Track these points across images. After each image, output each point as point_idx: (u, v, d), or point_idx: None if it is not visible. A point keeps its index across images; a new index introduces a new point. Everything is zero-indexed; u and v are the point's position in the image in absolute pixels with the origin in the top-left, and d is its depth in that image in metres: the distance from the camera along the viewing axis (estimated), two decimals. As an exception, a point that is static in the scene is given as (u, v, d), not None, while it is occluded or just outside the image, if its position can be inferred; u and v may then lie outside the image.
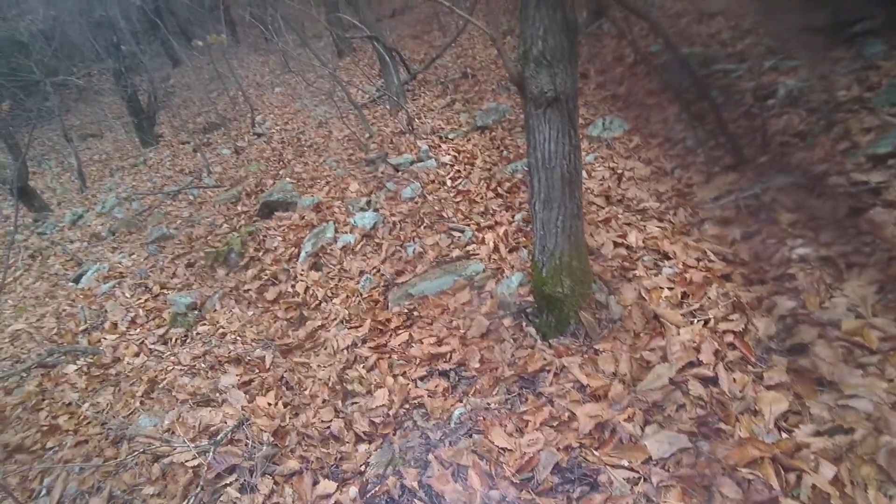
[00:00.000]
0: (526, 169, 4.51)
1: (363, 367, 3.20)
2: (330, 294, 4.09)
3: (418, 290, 3.61)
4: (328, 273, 4.33)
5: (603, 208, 3.68)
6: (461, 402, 2.68)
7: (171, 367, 3.88)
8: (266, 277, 4.62)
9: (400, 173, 5.54)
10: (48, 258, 7.42)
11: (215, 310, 4.48)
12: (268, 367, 3.51)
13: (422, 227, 4.36)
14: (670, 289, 2.75)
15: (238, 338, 3.97)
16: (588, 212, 3.60)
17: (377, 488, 2.33)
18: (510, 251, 3.62)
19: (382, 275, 4.01)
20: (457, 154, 5.61)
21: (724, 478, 1.82)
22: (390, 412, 2.77)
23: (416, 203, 4.79)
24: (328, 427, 2.80)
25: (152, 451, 2.95)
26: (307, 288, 4.23)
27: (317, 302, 4.07)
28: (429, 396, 2.79)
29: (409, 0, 14.37)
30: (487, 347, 2.95)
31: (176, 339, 4.30)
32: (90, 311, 5.14)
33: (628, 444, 2.10)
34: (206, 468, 2.65)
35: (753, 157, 3.41)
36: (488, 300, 3.28)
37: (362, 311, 3.75)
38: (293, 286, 4.32)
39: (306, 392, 3.14)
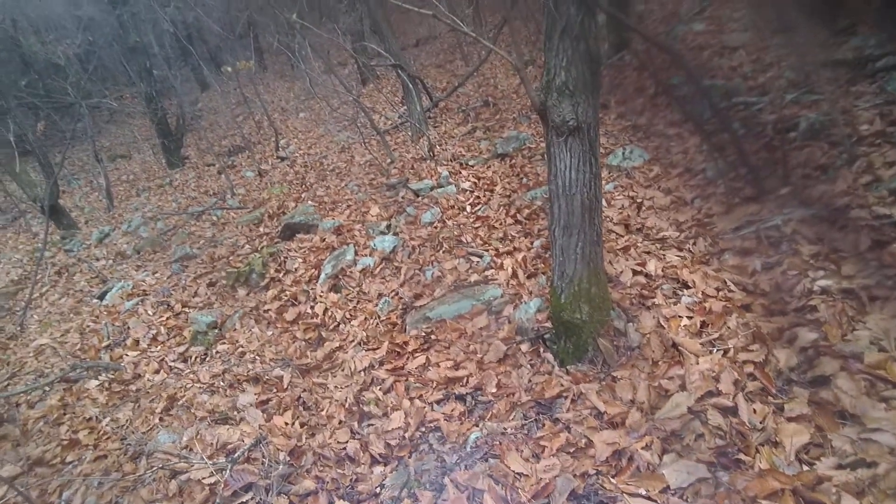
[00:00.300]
0: (546, 196, 4.55)
1: (380, 389, 3.21)
2: (348, 316, 4.13)
3: (436, 314, 3.63)
4: (347, 295, 4.37)
5: (622, 236, 3.69)
6: (477, 426, 2.67)
7: (190, 385, 3.92)
8: (286, 298, 4.68)
9: (420, 198, 5.62)
10: (74, 275, 7.59)
11: (235, 329, 4.54)
12: (285, 386, 3.54)
13: (441, 251, 4.40)
14: (689, 318, 2.74)
15: (257, 357, 4.01)
16: (607, 240, 3.62)
17: (392, 510, 2.33)
18: (528, 277, 3.63)
19: (401, 298, 4.04)
20: (477, 180, 5.67)
21: (743, 510, 1.79)
22: (406, 435, 2.77)
23: (436, 228, 4.84)
24: (344, 448, 2.80)
25: (170, 468, 2.98)
26: (326, 309, 4.27)
27: (335, 323, 4.11)
28: (445, 420, 2.79)
29: (433, 30, 14.68)
30: (504, 372, 2.96)
31: (196, 357, 4.36)
32: (113, 327, 5.23)
33: (646, 473, 2.08)
34: (222, 486, 2.67)
35: (774, 189, 3.41)
36: (506, 325, 3.29)
37: (380, 333, 3.78)
38: (312, 307, 4.37)
39: (323, 412, 3.15)
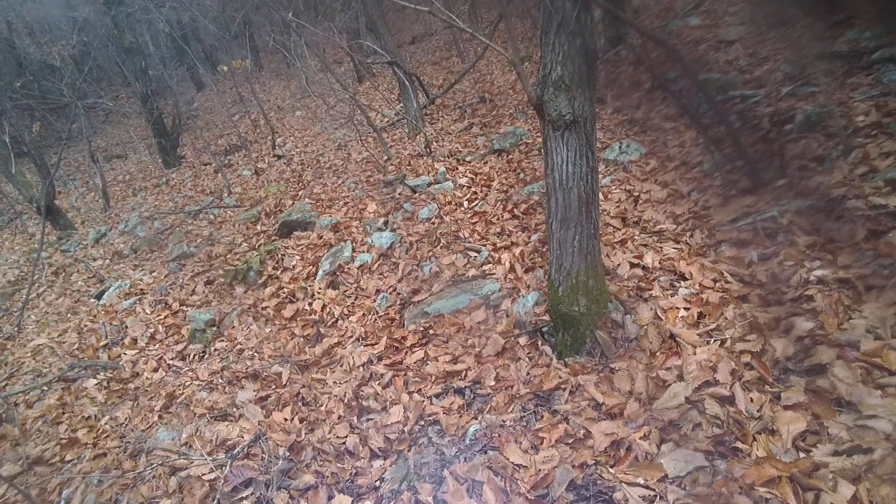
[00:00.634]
0: (542, 190, 4.56)
1: (379, 384, 3.22)
2: (347, 312, 4.13)
3: (434, 309, 3.63)
4: (345, 291, 4.37)
5: (619, 230, 3.70)
6: (476, 419, 2.68)
7: (189, 382, 3.92)
8: (284, 295, 4.68)
9: (417, 195, 5.62)
10: (71, 275, 7.57)
11: (233, 326, 4.54)
12: (284, 383, 3.54)
13: (438, 246, 4.40)
14: (686, 309, 2.75)
15: (255, 354, 4.01)
16: (604, 233, 3.63)
17: (392, 503, 2.33)
18: (526, 271, 3.64)
19: (399, 293, 4.05)
20: (474, 176, 5.68)
21: (741, 496, 1.80)
22: (405, 428, 2.78)
23: (433, 223, 4.84)
24: (343, 443, 2.81)
25: (170, 465, 2.99)
26: (324, 306, 4.27)
27: (333, 320, 4.11)
28: (444, 413, 2.80)
29: (429, 27, 14.67)
30: (503, 365, 2.96)
31: (194, 355, 4.36)
32: (111, 326, 5.22)
33: (644, 462, 2.09)
34: (222, 481, 2.67)
35: (771, 181, 3.42)
36: (504, 319, 3.30)
37: (378, 328, 3.78)
38: (310, 304, 4.37)
39: (322, 408, 3.16)
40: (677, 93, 5.24)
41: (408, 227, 4.91)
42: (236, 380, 3.76)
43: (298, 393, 3.37)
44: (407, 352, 3.42)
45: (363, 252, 4.73)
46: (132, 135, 15.38)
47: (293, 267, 5.06)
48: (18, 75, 14.04)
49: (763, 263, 2.83)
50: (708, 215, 3.51)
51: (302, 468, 2.72)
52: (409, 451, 2.65)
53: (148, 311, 5.36)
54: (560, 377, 2.69)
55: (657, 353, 2.58)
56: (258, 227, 6.64)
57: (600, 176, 4.53)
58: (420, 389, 3.05)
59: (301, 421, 3.09)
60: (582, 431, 2.34)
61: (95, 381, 4.26)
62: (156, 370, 4.29)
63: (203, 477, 2.79)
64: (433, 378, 3.09)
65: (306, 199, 6.65)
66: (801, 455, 1.88)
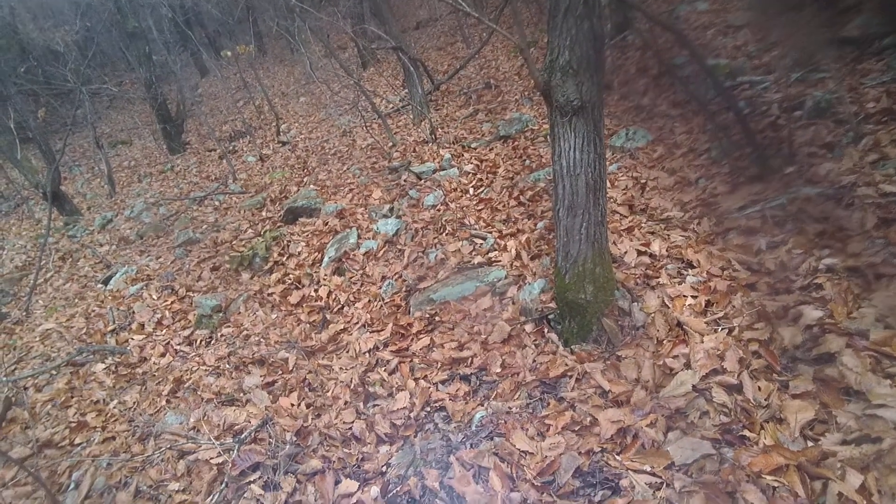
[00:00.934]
0: (549, 177, 4.54)
1: (385, 371, 3.23)
2: (352, 298, 4.14)
3: (440, 296, 3.63)
4: (351, 278, 4.38)
5: (626, 217, 3.68)
6: (482, 405, 2.69)
7: (196, 368, 3.95)
8: (290, 281, 4.69)
9: (423, 181, 5.60)
10: (78, 260, 7.61)
11: (240, 312, 4.55)
12: (291, 368, 3.56)
13: (444, 233, 4.39)
14: (694, 297, 2.74)
15: (262, 340, 4.03)
16: (611, 220, 3.61)
17: (398, 488, 2.35)
18: (532, 258, 3.63)
19: (404, 280, 4.05)
20: (479, 163, 5.66)
21: (748, 485, 1.80)
22: (411, 414, 2.79)
23: (439, 210, 4.83)
24: (350, 428, 2.83)
25: (178, 448, 3.02)
26: (330, 292, 4.28)
27: (339, 306, 4.12)
28: (450, 400, 2.81)
29: (433, 12, 14.55)
30: (509, 352, 2.97)
31: (201, 341, 4.38)
32: (118, 311, 5.25)
33: (651, 450, 2.09)
34: (230, 465, 2.69)
35: (780, 168, 3.39)
36: (510, 306, 3.30)
37: (384, 315, 3.79)
38: (316, 290, 4.38)
39: (328, 393, 3.17)
40: (685, 78, 5.19)
41: (413, 213, 4.90)
42: (243, 365, 3.78)
43: (305, 378, 3.39)
44: (413, 338, 3.42)
45: (368, 239, 4.73)
46: (136, 121, 15.37)
47: (299, 253, 5.06)
48: (22, 61, 14.01)
49: (771, 251, 2.82)
50: (716, 203, 3.48)
51: (309, 453, 2.74)
52: (415, 436, 2.67)
53: (155, 297, 5.39)
54: (566, 364, 2.70)
55: (664, 341, 2.58)
56: (263, 213, 6.65)
57: (607, 163, 4.49)
58: (426, 376, 3.05)
59: (308, 406, 3.11)
60: (588, 419, 2.35)
61: (103, 366, 4.30)
62: (163, 355, 4.32)
63: (211, 461, 2.82)
64: (439, 364, 3.10)
65: (311, 186, 6.64)
66: (809, 444, 1.88)
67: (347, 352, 3.56)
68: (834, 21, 4.53)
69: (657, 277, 2.96)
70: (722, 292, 2.68)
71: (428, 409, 2.82)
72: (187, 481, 2.80)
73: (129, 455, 3.15)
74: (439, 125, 7.34)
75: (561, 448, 2.24)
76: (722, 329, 2.50)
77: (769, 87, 4.39)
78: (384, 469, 2.52)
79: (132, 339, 4.67)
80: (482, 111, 7.46)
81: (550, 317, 3.05)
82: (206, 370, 3.86)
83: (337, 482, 2.49)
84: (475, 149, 6.16)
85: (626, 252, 3.23)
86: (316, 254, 4.90)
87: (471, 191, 5.06)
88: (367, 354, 3.44)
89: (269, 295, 4.63)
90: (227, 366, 3.83)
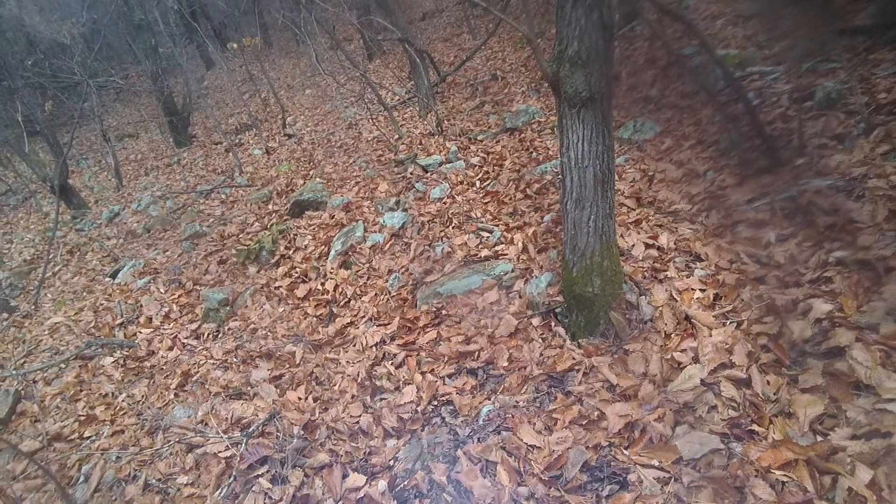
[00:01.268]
0: (556, 170, 4.52)
1: (392, 364, 3.23)
2: (359, 292, 4.14)
3: (447, 289, 3.63)
4: (357, 271, 4.38)
5: (634, 210, 3.66)
6: (489, 399, 2.69)
7: (203, 361, 3.96)
8: (296, 275, 4.69)
9: (429, 174, 5.58)
10: (86, 254, 7.64)
11: (247, 306, 4.57)
12: (298, 362, 3.57)
13: (450, 226, 4.38)
14: (702, 290, 2.72)
15: (269, 333, 4.04)
16: (619, 213, 3.59)
17: (406, 482, 2.35)
18: (539, 251, 3.62)
19: (411, 274, 4.04)
20: (486, 155, 5.63)
21: (757, 479, 1.80)
22: (418, 408, 2.80)
23: (445, 203, 4.82)
24: (357, 422, 2.83)
25: (186, 442, 3.03)
26: (337, 286, 4.29)
27: (346, 299, 4.12)
28: (457, 394, 2.81)
29: (439, 3, 14.46)
30: (516, 346, 2.96)
31: (208, 334, 4.40)
32: (126, 305, 5.28)
33: (658, 444, 2.08)
34: (238, 459, 2.71)
35: (789, 160, 3.36)
36: (517, 300, 3.29)
37: (391, 308, 3.79)
38: (323, 284, 4.39)
39: (336, 387, 3.18)
40: (693, 69, 5.14)
41: (419, 206, 4.89)
42: (250, 359, 3.79)
43: (312, 372, 3.40)
44: (420, 332, 3.42)
45: (375, 232, 4.72)
46: (143, 114, 15.38)
47: (305, 247, 5.06)
48: (29, 53, 14.03)
49: (781, 244, 2.79)
50: (724, 195, 3.46)
51: (316, 447, 2.75)
52: (422, 430, 2.67)
53: (162, 290, 5.41)
54: (574, 358, 2.69)
55: (672, 335, 2.57)
56: (270, 206, 6.65)
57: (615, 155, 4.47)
58: (433, 370, 3.05)
59: (315, 400, 3.12)
60: (596, 413, 2.34)
61: (112, 359, 4.32)
62: (171, 349, 4.34)
63: (219, 454, 2.83)
64: (446, 358, 3.09)
65: (317, 179, 6.63)
66: (819, 438, 1.87)
67: (354, 345, 3.57)
68: (845, 10, 4.47)
69: (665, 271, 2.94)
70: (730, 285, 2.67)
71: (435, 403, 2.82)
72: (196, 475, 2.82)
73: (138, 448, 3.18)
74: (445, 117, 7.31)
75: (568, 442, 2.24)
76: (730, 323, 2.48)
77: (779, 77, 4.35)
78: (391, 463, 2.52)
79: (140, 332, 4.70)
80: (488, 103, 7.42)
81: (557, 310, 3.04)
82: (213, 364, 3.87)
83: (344, 476, 2.50)
84: (481, 141, 6.14)
85: (633, 245, 3.21)
86: (322, 247, 4.90)
87: (477, 183, 5.05)
88: (373, 348, 3.44)
89: (275, 288, 4.64)
90: (235, 359, 3.84)
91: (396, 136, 7.16)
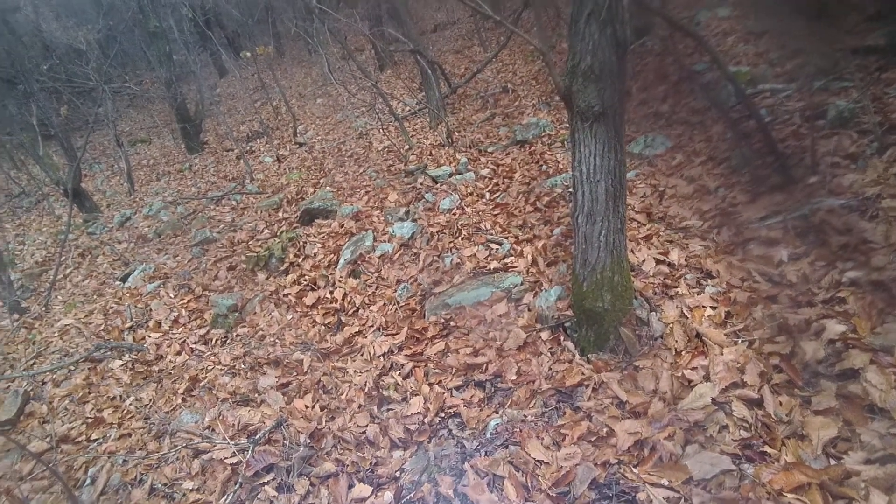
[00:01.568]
0: (566, 183, 4.52)
1: (399, 375, 3.23)
2: (367, 301, 4.14)
3: (455, 301, 3.62)
4: (366, 280, 4.38)
5: (644, 225, 3.65)
6: (497, 412, 2.68)
7: (211, 367, 3.97)
8: (305, 283, 4.71)
9: (439, 185, 5.60)
10: (97, 257, 7.70)
11: (255, 312, 4.58)
12: (305, 370, 3.57)
13: (460, 238, 4.39)
14: (713, 308, 2.71)
15: (277, 340, 4.05)
16: (629, 228, 3.58)
17: (412, 494, 2.34)
18: (549, 265, 3.61)
19: (419, 284, 4.05)
20: (496, 167, 5.64)
21: (768, 502, 1.78)
22: (425, 420, 2.79)
23: (455, 215, 4.83)
24: (364, 432, 2.82)
25: (193, 447, 3.03)
26: (345, 294, 4.29)
27: (354, 308, 4.13)
28: (464, 406, 2.80)
29: (451, 15, 14.56)
30: (524, 360, 2.95)
31: (216, 340, 4.41)
32: (136, 309, 5.30)
33: (668, 463, 2.06)
34: (244, 466, 2.71)
35: (802, 178, 3.34)
36: (526, 313, 3.28)
37: (399, 318, 3.79)
38: (331, 292, 4.39)
39: (343, 396, 3.18)
40: (705, 85, 5.14)
41: (429, 217, 4.90)
42: (258, 365, 3.79)
43: (319, 380, 3.39)
44: (427, 343, 3.42)
45: (384, 241, 4.73)
46: (156, 120, 15.53)
47: (315, 255, 5.08)
48: (45, 58, 14.21)
49: (793, 263, 2.78)
50: (736, 212, 3.44)
51: (322, 456, 2.74)
52: (429, 442, 2.66)
53: (171, 295, 5.44)
54: (583, 373, 2.68)
55: (683, 352, 2.55)
56: (280, 214, 6.68)
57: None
58: (440, 381, 3.05)
59: (322, 408, 3.12)
60: (605, 429, 2.33)
61: (121, 363, 4.34)
62: (179, 353, 4.35)
63: (225, 461, 2.83)
64: (454, 370, 3.09)
65: (328, 188, 6.67)
66: (832, 462, 1.85)
67: (362, 355, 3.57)
68: (858, 29, 4.47)
69: (676, 287, 2.93)
70: (742, 304, 2.65)
71: (442, 414, 2.81)
72: (201, 480, 2.82)
73: (145, 452, 3.18)
74: (456, 129, 7.33)
75: (577, 458, 2.22)
76: (742, 341, 2.47)
77: (791, 95, 4.34)
78: (398, 474, 2.51)
79: (149, 336, 4.72)
80: (499, 115, 7.45)
81: (567, 324, 3.03)
82: (221, 369, 3.88)
83: (350, 486, 2.49)
84: (491, 153, 6.16)
85: (644, 260, 3.20)
86: (331, 255, 4.92)
87: (487, 195, 5.05)
88: (381, 358, 3.44)
89: (284, 296, 4.65)
90: (243, 366, 3.85)
91: (407, 147, 7.19)
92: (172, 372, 4.09)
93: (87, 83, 11.09)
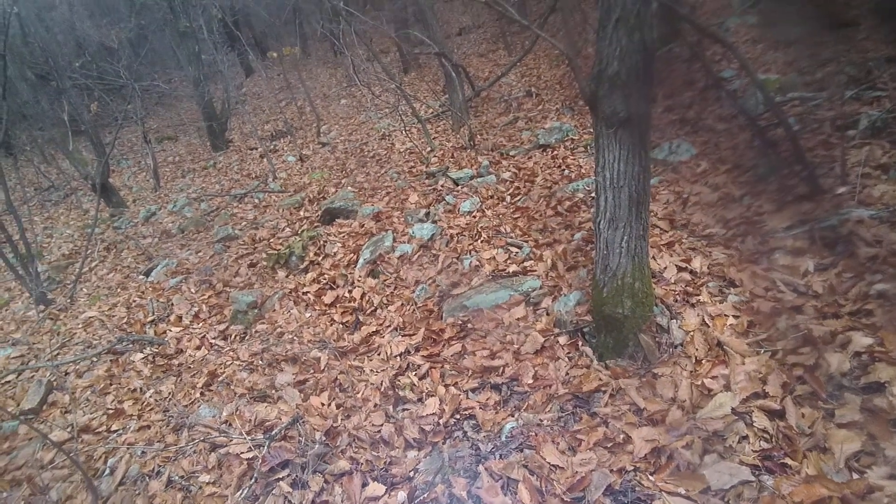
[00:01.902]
0: (588, 188, 4.49)
1: (415, 375, 3.23)
2: (385, 301, 4.15)
3: (473, 303, 3.62)
4: (385, 280, 4.40)
5: (667, 231, 3.61)
6: (513, 416, 2.67)
7: (230, 362, 4.01)
8: (324, 281, 4.74)
9: (459, 187, 5.60)
10: (122, 251, 7.83)
11: (274, 309, 4.62)
12: (323, 368, 3.59)
13: (479, 240, 4.38)
14: (736, 317, 2.67)
15: (295, 338, 4.08)
16: (651, 234, 3.54)
17: (426, 495, 2.34)
18: (568, 269, 3.59)
19: (438, 286, 4.05)
20: (517, 171, 5.63)
21: (788, 515, 1.74)
22: (441, 421, 2.78)
23: (475, 217, 4.82)
24: (379, 431, 2.83)
25: (210, 441, 3.07)
26: (364, 294, 4.31)
27: (372, 308, 4.14)
28: (480, 408, 2.79)
29: (476, 19, 14.58)
30: (541, 364, 2.93)
31: (236, 336, 4.46)
32: (158, 303, 5.38)
33: (685, 472, 2.03)
34: (260, 461, 2.73)
35: (831, 188, 3.28)
36: (544, 317, 3.27)
37: (417, 319, 3.79)
38: (350, 291, 4.42)
39: (359, 395, 3.19)
40: (733, 92, 5.07)
41: (449, 219, 4.91)
42: (276, 362, 3.82)
43: (336, 379, 3.41)
44: (444, 344, 3.42)
45: (404, 242, 4.74)
46: (183, 117, 15.79)
47: (334, 254, 5.11)
48: (78, 56, 14.52)
49: (820, 274, 2.72)
50: (761, 221, 3.39)
51: (337, 453, 2.75)
52: (443, 443, 2.65)
53: (193, 290, 5.51)
54: (600, 379, 2.65)
55: (703, 361, 2.51)
56: (301, 212, 6.74)
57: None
58: (456, 383, 3.04)
59: (338, 406, 3.13)
60: (621, 436, 2.30)
61: (142, 356, 4.40)
62: (199, 348, 4.41)
63: (242, 455, 2.86)
64: (470, 372, 3.08)
65: (349, 188, 6.71)
66: (855, 476, 1.80)
67: (379, 354, 3.58)
68: (892, 38, 4.38)
69: (698, 295, 2.89)
70: (765, 313, 2.61)
71: (457, 416, 2.80)
72: (218, 474, 2.84)
73: (163, 445, 3.22)
74: (478, 132, 7.33)
75: (592, 464, 2.20)
76: (765, 351, 2.42)
77: (821, 104, 4.26)
78: (412, 474, 2.51)
79: (170, 330, 4.79)
80: (522, 119, 7.43)
81: (585, 330, 3.00)
82: (239, 365, 3.92)
83: (364, 485, 2.49)
84: (513, 156, 6.14)
85: (665, 267, 3.16)
86: (351, 255, 4.94)
87: (507, 198, 5.04)
88: (398, 358, 3.44)
89: (303, 294, 4.68)
90: (261, 362, 3.88)
91: (429, 149, 7.21)
92: (192, 366, 4.14)
93: (118, 81, 11.32)
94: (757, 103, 4.57)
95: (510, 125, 7.36)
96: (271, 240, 6.15)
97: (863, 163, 3.38)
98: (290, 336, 4.13)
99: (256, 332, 4.40)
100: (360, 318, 4.11)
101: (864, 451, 1.87)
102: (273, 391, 3.46)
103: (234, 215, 7.74)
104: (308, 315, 4.40)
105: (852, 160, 3.43)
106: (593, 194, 2.82)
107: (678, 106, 5.64)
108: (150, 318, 5.11)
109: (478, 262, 4.08)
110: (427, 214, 5.20)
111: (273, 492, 2.59)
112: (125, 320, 5.24)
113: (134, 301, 5.68)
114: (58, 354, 4.93)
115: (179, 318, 4.99)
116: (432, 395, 2.98)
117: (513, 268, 3.86)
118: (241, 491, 2.65)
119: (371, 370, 3.41)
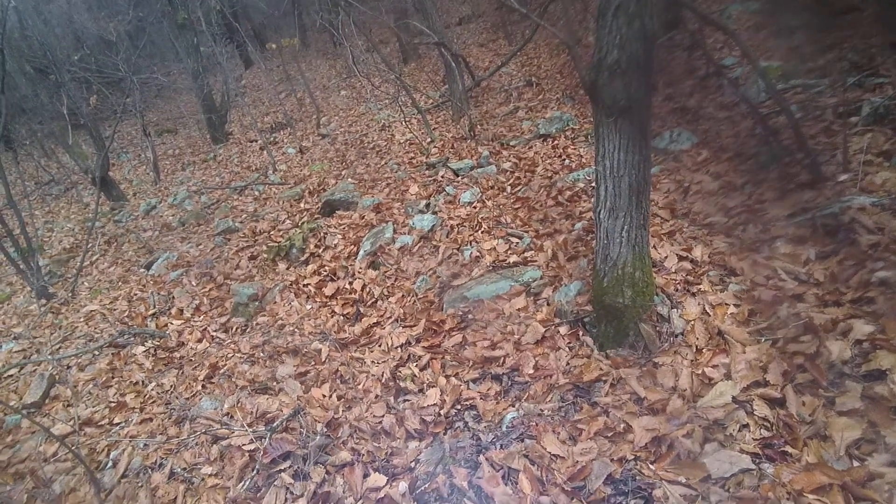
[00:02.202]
0: (589, 178, 4.47)
1: (416, 366, 3.23)
2: (386, 293, 4.15)
3: (474, 294, 3.61)
4: (385, 272, 4.40)
5: (667, 221, 3.60)
6: (514, 406, 2.67)
7: (231, 355, 4.02)
8: (325, 273, 4.74)
9: (460, 178, 5.58)
10: (123, 245, 7.84)
11: (275, 302, 4.62)
12: (324, 359, 3.59)
13: (479, 231, 4.37)
14: (737, 306, 2.66)
15: (296, 330, 4.08)
16: (652, 224, 3.52)
17: (427, 485, 2.34)
18: (569, 259, 3.58)
19: (438, 276, 4.04)
20: (518, 161, 5.61)
21: (788, 503, 1.74)
22: (441, 411, 2.79)
23: (475, 208, 4.81)
24: (380, 422, 2.83)
25: (212, 433, 3.08)
26: (364, 285, 4.31)
27: (373, 299, 4.14)
28: (481, 399, 2.79)
29: (476, 8, 14.48)
30: (542, 354, 2.93)
31: (237, 328, 4.46)
32: (159, 296, 5.39)
33: (686, 461, 2.03)
34: (262, 453, 2.73)
35: (833, 176, 3.26)
36: (544, 307, 3.26)
37: (417, 310, 3.79)
38: (351, 283, 4.42)
39: (360, 386, 3.19)
40: (734, 80, 5.04)
41: (449, 210, 4.89)
42: (277, 354, 3.83)
43: (337, 370, 3.41)
44: (445, 335, 3.41)
45: (404, 234, 4.73)
46: (182, 110, 15.75)
47: (335, 246, 5.11)
48: (76, 49, 14.47)
49: (821, 262, 2.71)
50: (762, 209, 3.37)
51: (339, 444, 2.76)
52: (444, 434, 2.66)
53: (194, 283, 5.51)
54: (601, 369, 2.65)
55: (704, 350, 2.51)
56: (301, 204, 6.73)
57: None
58: (457, 373, 3.04)
59: (339, 398, 3.13)
60: (622, 425, 2.30)
61: (143, 349, 4.41)
62: (200, 341, 4.41)
63: (243, 447, 2.86)
64: (471, 363, 3.08)
65: (349, 179, 6.69)
66: (855, 463, 1.80)
67: (380, 345, 3.58)
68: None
69: (698, 284, 2.88)
70: (766, 302, 2.60)
71: (458, 406, 2.81)
72: (220, 466, 2.85)
73: (165, 437, 3.23)
74: (478, 122, 7.30)
75: (593, 454, 2.20)
76: (765, 340, 2.42)
77: (823, 91, 4.23)
78: (413, 465, 2.52)
79: (171, 323, 4.80)
80: (522, 109, 7.40)
81: (586, 320, 3.00)
82: (240, 357, 3.93)
83: (365, 475, 2.50)
84: (514, 146, 6.12)
85: (666, 257, 3.15)
86: (352, 247, 4.94)
87: (508, 189, 5.03)
88: (399, 349, 3.44)
89: (304, 286, 4.68)
90: (262, 354, 3.88)
91: (429, 140, 7.19)
92: (193, 359, 4.15)
93: (117, 74, 11.27)
94: (759, 91, 4.54)
95: (510, 115, 7.32)
96: (272, 232, 6.14)
97: (865, 150, 3.35)
98: (291, 328, 4.13)
99: (257, 324, 4.41)
100: (361, 309, 4.11)
101: (864, 438, 1.87)
102: (274, 383, 3.46)
103: (234, 208, 7.74)
104: (309, 307, 4.40)
105: (854, 147, 3.41)
106: (594, 184, 2.81)
107: (679, 94, 5.60)
108: (151, 312, 5.12)
109: (478, 253, 4.08)
110: (427, 205, 5.19)
111: (275, 483, 2.60)
112: (126, 314, 5.25)
113: (135, 294, 5.68)
114: (59, 348, 4.94)
115: (181, 310, 5.00)
116: (433, 386, 2.99)
117: (513, 258, 3.85)
118: (242, 482, 2.66)
119: (372, 361, 3.42)
